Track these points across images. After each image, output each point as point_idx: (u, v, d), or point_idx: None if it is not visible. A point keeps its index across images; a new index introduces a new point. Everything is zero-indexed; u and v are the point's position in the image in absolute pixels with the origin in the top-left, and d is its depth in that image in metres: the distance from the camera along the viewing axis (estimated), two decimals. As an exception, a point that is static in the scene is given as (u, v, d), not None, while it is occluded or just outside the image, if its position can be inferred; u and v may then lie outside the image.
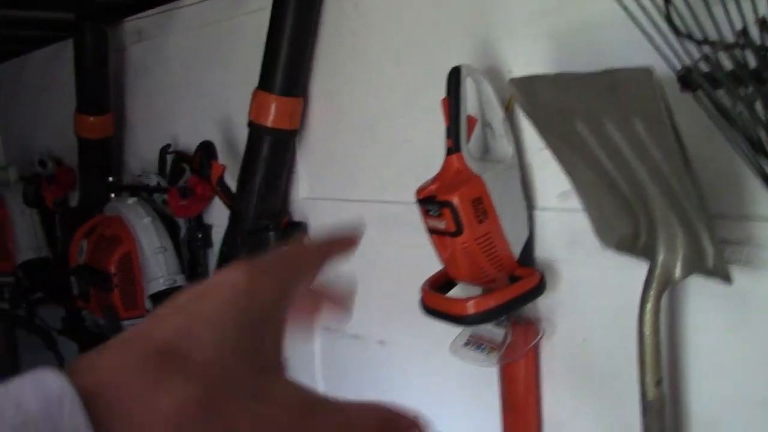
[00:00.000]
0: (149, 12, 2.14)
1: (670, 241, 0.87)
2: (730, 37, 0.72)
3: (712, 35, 0.74)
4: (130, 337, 0.33)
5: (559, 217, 1.13)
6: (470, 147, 1.06)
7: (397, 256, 1.42)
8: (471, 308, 1.03)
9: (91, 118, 2.21)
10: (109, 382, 0.31)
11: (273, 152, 1.51)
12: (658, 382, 0.89)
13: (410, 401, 0.39)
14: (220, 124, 1.89)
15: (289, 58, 1.46)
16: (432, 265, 1.13)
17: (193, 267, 2.00)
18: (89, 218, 2.19)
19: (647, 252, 0.90)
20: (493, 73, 1.16)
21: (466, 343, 1.16)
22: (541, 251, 1.16)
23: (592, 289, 1.11)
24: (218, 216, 1.92)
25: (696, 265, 0.86)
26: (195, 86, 1.99)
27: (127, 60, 2.28)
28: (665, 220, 0.86)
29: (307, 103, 1.58)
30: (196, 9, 1.94)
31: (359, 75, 1.47)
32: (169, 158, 1.97)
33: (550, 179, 1.12)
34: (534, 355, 1.18)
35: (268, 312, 0.36)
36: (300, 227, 1.62)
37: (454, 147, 1.04)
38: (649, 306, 0.88)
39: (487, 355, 1.13)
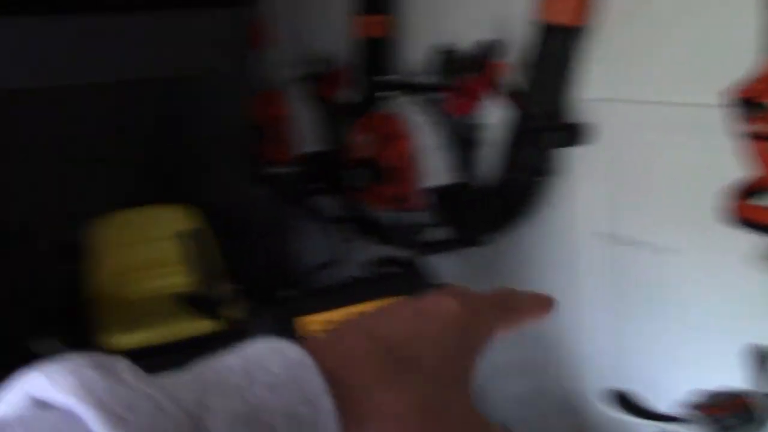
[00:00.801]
0: None
1: None
2: None
3: None
4: (363, 330, 0.38)
5: None
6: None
7: (684, 160, 1.34)
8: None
9: (371, 18, 2.30)
10: (345, 366, 0.35)
11: (560, 50, 1.47)
12: None
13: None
14: (498, 22, 1.87)
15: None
16: (724, 173, 1.05)
17: (464, 165, 2.05)
18: (367, 115, 2.32)
19: None
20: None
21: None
22: None
23: None
24: (492, 115, 1.93)
25: None
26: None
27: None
28: None
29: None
30: None
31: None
32: (445, 57, 2.01)
33: None
34: None
35: (475, 345, 0.42)
36: (580, 129, 1.59)
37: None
38: None
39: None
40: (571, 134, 1.52)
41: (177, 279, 3.37)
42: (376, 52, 2.37)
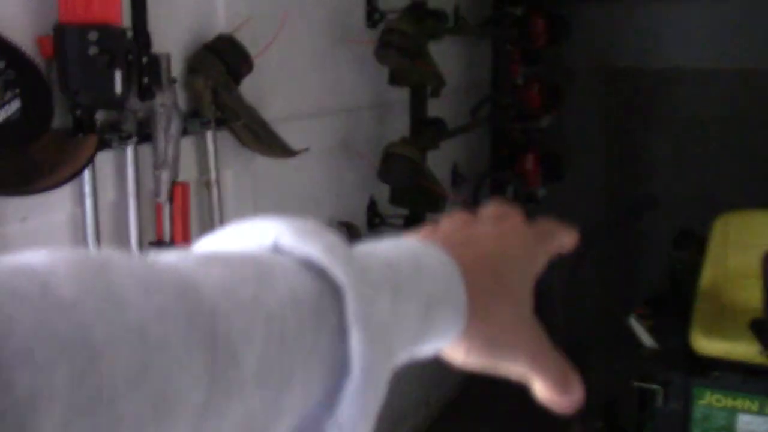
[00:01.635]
0: None
1: None
2: None
3: None
4: (469, 246, 0.46)
5: None
6: None
7: None
8: None
9: None
10: (467, 273, 0.43)
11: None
12: None
13: None
14: None
15: None
16: None
17: None
18: None
19: None
20: None
21: None
22: None
23: None
24: None
25: None
26: None
27: None
28: None
29: None
30: None
31: None
32: None
33: None
34: None
35: (537, 269, 0.49)
36: None
37: None
38: None
39: None
40: None
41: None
42: None
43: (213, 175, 1.77)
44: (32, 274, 0.27)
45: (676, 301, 3.24)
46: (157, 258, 0.33)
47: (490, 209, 0.51)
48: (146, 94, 1.49)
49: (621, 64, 4.23)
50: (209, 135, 1.73)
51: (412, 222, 2.65)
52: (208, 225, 1.82)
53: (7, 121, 1.21)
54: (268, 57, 1.97)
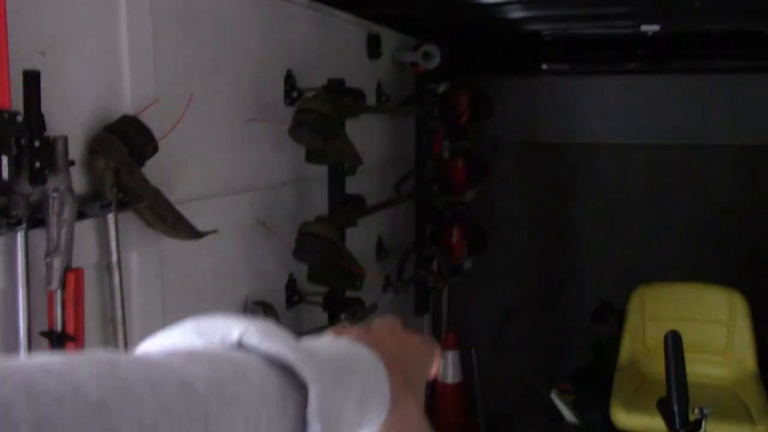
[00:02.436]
0: None
1: None
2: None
3: None
4: (383, 351, 0.50)
5: None
6: None
7: None
8: None
9: None
10: (389, 374, 0.48)
11: None
12: None
13: None
14: None
15: None
16: None
17: None
18: None
19: None
20: None
21: None
22: None
23: None
24: None
25: None
26: None
27: None
28: None
29: None
30: None
31: None
32: None
33: None
34: None
35: (428, 375, 0.58)
36: None
37: None
38: None
39: None
40: None
41: (707, 369, 3.05)
42: None
43: (114, 258, 1.71)
44: (60, 376, 0.31)
45: (598, 374, 3.27)
46: (145, 355, 0.38)
47: (380, 323, 0.59)
48: (38, 178, 1.44)
49: (543, 138, 4.36)
50: (110, 217, 1.69)
51: (331, 300, 2.62)
52: (109, 310, 1.76)
53: None
54: (180, 136, 1.95)
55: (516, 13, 3.28)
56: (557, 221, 4.35)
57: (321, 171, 2.67)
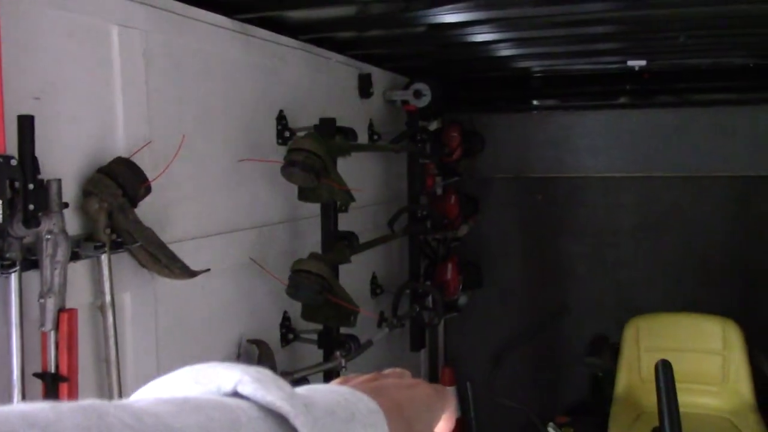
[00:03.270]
0: None
1: None
2: None
3: None
4: (396, 404, 0.51)
5: None
6: None
7: None
8: None
9: None
10: (390, 423, 0.48)
11: None
12: None
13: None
14: None
15: None
16: None
17: None
18: None
19: None
20: None
21: None
22: None
23: None
24: None
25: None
26: None
27: None
28: None
29: None
30: None
31: None
32: None
33: None
34: None
35: (439, 418, 0.59)
36: None
37: None
38: None
39: None
40: None
41: (704, 400, 3.04)
42: None
43: (107, 299, 1.73)
44: (45, 426, 0.30)
45: (596, 407, 3.25)
46: (136, 403, 0.36)
47: (389, 371, 0.61)
48: (32, 220, 1.46)
49: (534, 173, 4.40)
50: (104, 258, 1.70)
51: (325, 337, 2.62)
52: (103, 350, 1.77)
53: None
54: (173, 177, 1.98)
55: (505, 51, 3.34)
56: (550, 255, 4.37)
57: (314, 209, 2.70)
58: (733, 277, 3.98)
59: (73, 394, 1.55)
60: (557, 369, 4.26)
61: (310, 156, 2.25)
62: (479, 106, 4.30)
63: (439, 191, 4.09)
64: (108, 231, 1.70)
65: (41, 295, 1.51)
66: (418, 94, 3.53)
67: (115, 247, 1.74)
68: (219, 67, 2.30)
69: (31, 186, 1.46)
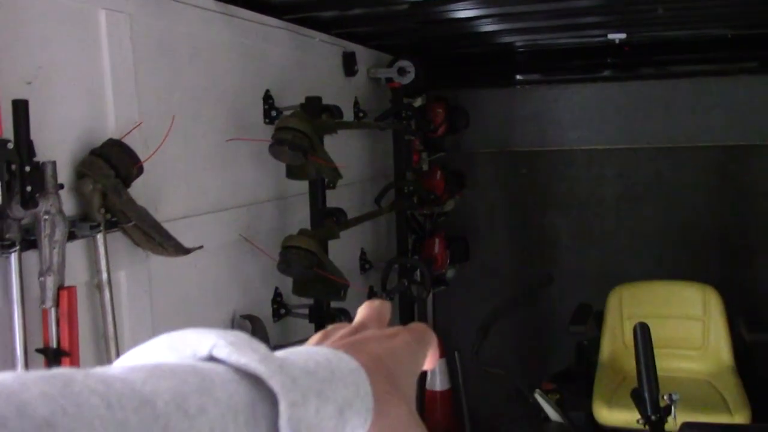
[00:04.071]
0: None
1: None
2: None
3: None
4: (367, 353, 0.50)
5: None
6: None
7: None
8: None
9: None
10: (372, 380, 0.48)
11: None
12: None
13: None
14: None
15: None
16: None
17: None
18: None
19: None
20: None
21: None
22: None
23: None
24: None
25: None
26: None
27: None
28: None
29: None
30: None
31: None
32: None
33: None
34: None
35: (418, 371, 0.56)
36: None
37: None
38: None
39: None
40: None
41: (685, 364, 3.14)
42: None
43: (104, 277, 1.78)
44: (7, 395, 0.30)
45: (581, 374, 3.35)
46: (107, 370, 0.37)
47: (366, 312, 0.59)
48: (29, 201, 1.51)
49: (519, 147, 4.46)
50: (99, 237, 1.75)
51: (316, 311, 2.69)
52: (101, 327, 1.82)
53: None
54: (164, 157, 2.03)
55: (488, 26, 3.38)
56: (535, 227, 4.45)
57: (301, 186, 2.75)
58: (714, 246, 4.08)
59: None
60: (543, 338, 4.35)
61: (297, 134, 2.30)
62: (463, 82, 4.35)
63: (425, 167, 4.15)
64: (102, 211, 1.74)
65: (41, 274, 1.56)
66: (402, 72, 3.57)
67: (110, 226, 1.79)
68: (205, 48, 2.33)
69: (27, 168, 1.50)
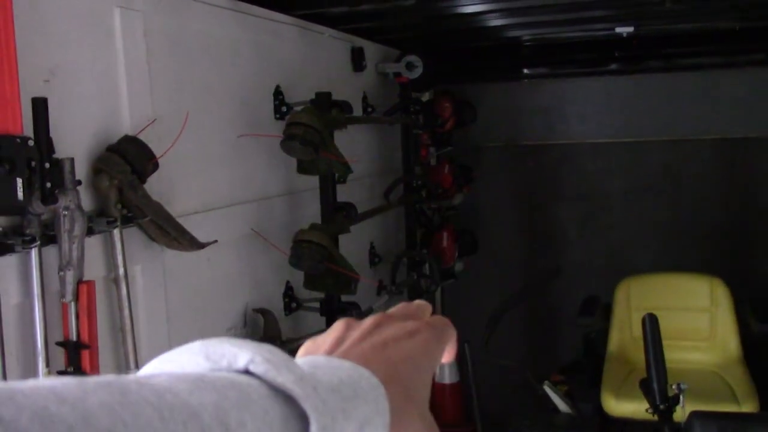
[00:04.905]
0: None
1: None
2: None
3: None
4: (393, 368, 0.51)
5: None
6: None
7: None
8: None
9: None
10: (389, 394, 0.48)
11: None
12: None
13: None
14: None
15: None
16: None
17: None
18: None
19: None
20: None
21: None
22: None
23: None
24: None
25: None
26: None
27: None
28: None
29: None
30: None
31: None
32: None
33: None
34: None
35: (434, 369, 0.57)
36: None
37: None
38: None
39: None
40: None
41: (693, 355, 3.16)
42: None
43: (121, 272, 1.81)
44: (73, 404, 0.32)
45: (589, 366, 3.37)
46: (154, 378, 0.38)
47: (400, 307, 0.61)
48: (49, 197, 1.54)
49: (526, 141, 4.48)
50: (116, 233, 1.79)
51: (327, 305, 2.72)
52: (118, 320, 1.86)
53: None
54: (177, 153, 2.05)
55: (495, 21, 3.40)
56: (543, 220, 4.47)
57: (312, 181, 2.78)
58: (721, 237, 4.09)
59: (94, 360, 1.64)
60: (552, 330, 4.37)
61: (308, 130, 2.32)
62: (470, 77, 4.36)
63: (433, 161, 4.17)
64: (119, 206, 1.78)
65: (60, 268, 1.60)
66: (410, 66, 3.59)
67: (126, 221, 1.82)
68: (216, 45, 2.36)
69: (47, 165, 1.53)
